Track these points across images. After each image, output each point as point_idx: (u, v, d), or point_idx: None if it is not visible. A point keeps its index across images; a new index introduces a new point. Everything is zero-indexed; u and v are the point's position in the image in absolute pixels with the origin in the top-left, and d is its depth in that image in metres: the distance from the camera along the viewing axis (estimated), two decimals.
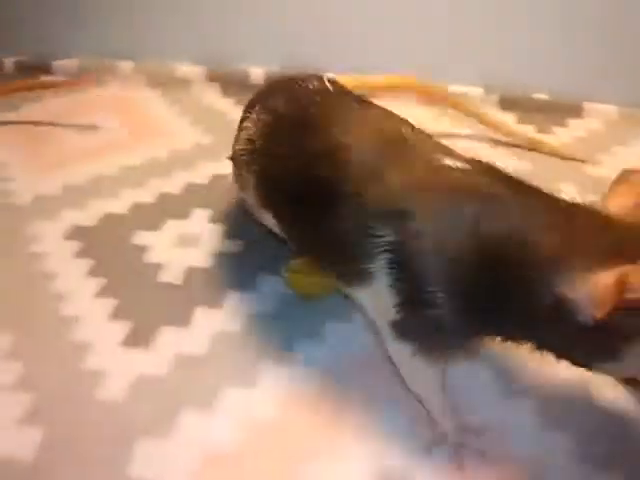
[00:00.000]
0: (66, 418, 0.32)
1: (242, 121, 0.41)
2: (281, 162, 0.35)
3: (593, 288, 0.24)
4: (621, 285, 0.23)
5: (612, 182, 0.30)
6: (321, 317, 0.38)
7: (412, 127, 0.34)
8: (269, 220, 0.38)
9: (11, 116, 0.61)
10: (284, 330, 0.37)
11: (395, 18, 0.63)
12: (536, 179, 0.54)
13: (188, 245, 0.44)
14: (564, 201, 0.28)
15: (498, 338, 0.29)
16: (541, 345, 0.28)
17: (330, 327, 0.37)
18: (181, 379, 0.34)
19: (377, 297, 0.30)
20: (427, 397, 0.31)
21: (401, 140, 0.32)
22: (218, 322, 0.37)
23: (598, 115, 0.64)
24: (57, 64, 0.71)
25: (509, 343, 0.29)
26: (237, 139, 0.41)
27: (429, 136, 0.34)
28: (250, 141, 0.38)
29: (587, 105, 0.64)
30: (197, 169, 0.54)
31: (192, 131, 0.60)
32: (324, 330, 0.37)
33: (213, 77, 0.68)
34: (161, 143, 0.57)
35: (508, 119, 0.63)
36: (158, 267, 0.42)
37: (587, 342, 0.26)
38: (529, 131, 0.59)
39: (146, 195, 0.50)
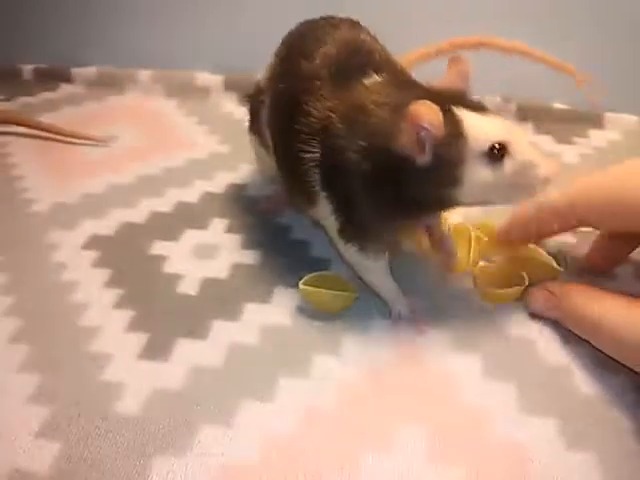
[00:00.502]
0: (83, 431, 0.31)
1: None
2: (277, 86, 0.40)
3: (402, 131, 0.31)
4: (414, 118, 0.30)
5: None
6: (339, 331, 0.38)
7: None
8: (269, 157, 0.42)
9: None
10: (301, 343, 0.37)
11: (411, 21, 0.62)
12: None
13: (206, 255, 0.44)
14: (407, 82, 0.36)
15: (410, 221, 0.38)
16: (425, 204, 0.34)
17: (347, 341, 0.37)
18: (198, 392, 0.33)
19: (321, 212, 0.37)
20: (379, 285, 0.39)
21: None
22: (235, 334, 0.37)
23: (619, 126, 0.63)
24: (76, 72, 0.71)
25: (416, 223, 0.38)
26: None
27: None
28: (269, 69, 0.42)
29: (608, 115, 0.63)
30: (215, 178, 0.54)
31: (210, 140, 0.60)
32: (341, 344, 0.37)
33: (231, 86, 0.68)
34: (179, 152, 0.57)
35: (526, 129, 0.62)
36: (176, 278, 0.42)
37: (439, 180, 0.33)
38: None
39: (164, 204, 0.50)
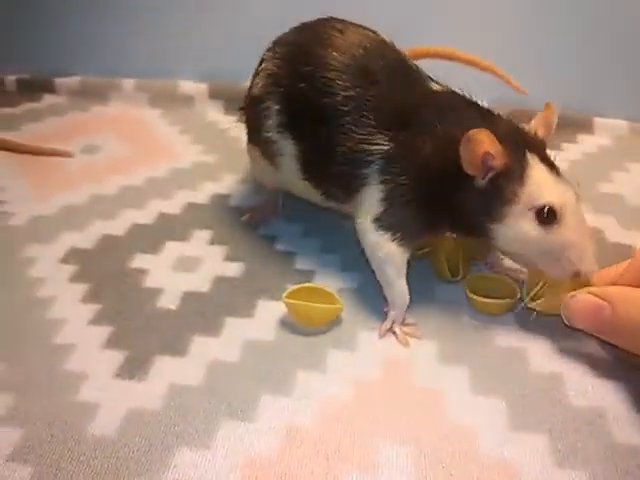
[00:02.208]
0: (56, 454, 0.30)
1: (259, 65, 0.43)
2: (296, 86, 0.39)
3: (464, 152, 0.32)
4: (477, 142, 0.32)
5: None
6: (323, 345, 0.36)
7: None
8: (288, 148, 0.41)
9: (10, 135, 0.60)
10: (284, 359, 0.35)
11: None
12: None
13: (187, 269, 0.43)
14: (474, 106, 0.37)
15: (450, 231, 0.38)
16: (469, 225, 0.35)
17: (332, 356, 0.36)
18: (176, 412, 0.32)
19: (364, 200, 0.38)
20: (392, 282, 0.37)
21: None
22: (216, 350, 0.36)
23: (608, 131, 0.62)
24: (59, 82, 0.70)
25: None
26: (255, 83, 0.43)
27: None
28: (271, 74, 0.41)
29: (597, 121, 0.62)
30: (198, 189, 0.53)
31: (193, 150, 0.59)
32: (326, 359, 0.35)
33: (216, 94, 0.67)
34: (162, 162, 0.56)
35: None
36: (156, 292, 0.40)
37: (485, 208, 0.34)
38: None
39: (146, 216, 0.49)
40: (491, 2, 0.63)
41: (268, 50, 0.43)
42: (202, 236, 0.46)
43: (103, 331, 0.37)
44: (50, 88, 0.70)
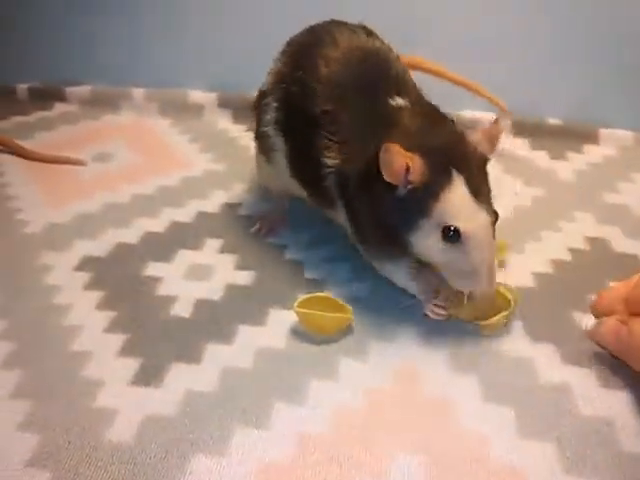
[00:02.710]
0: (74, 459, 0.31)
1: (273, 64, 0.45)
2: (291, 88, 0.41)
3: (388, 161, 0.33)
4: (386, 155, 0.33)
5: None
6: (335, 354, 0.37)
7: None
8: (279, 144, 0.43)
9: (23, 144, 0.61)
10: (297, 367, 0.36)
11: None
12: (551, 206, 0.53)
13: (200, 277, 0.44)
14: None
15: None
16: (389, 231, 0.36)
17: (343, 365, 0.36)
18: (191, 419, 0.33)
19: (340, 216, 0.40)
20: (406, 286, 0.39)
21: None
22: (229, 358, 0.37)
23: (614, 141, 0.63)
24: (70, 91, 0.71)
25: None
26: (266, 80, 0.45)
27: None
28: (276, 72, 0.44)
29: (603, 131, 0.63)
30: (208, 197, 0.53)
31: (203, 158, 0.60)
32: (337, 368, 0.36)
33: (225, 103, 0.68)
34: (173, 171, 0.57)
35: (522, 145, 0.62)
36: (169, 300, 0.41)
37: (404, 218, 0.35)
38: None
39: (158, 224, 0.49)
40: (494, 13, 0.64)
41: (281, 49, 0.45)
42: (213, 245, 0.47)
43: (118, 339, 0.38)
44: (61, 97, 0.71)
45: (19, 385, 0.35)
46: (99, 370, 0.36)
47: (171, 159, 0.60)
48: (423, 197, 0.34)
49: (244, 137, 0.63)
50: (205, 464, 0.30)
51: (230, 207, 0.52)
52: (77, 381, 0.35)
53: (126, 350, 0.37)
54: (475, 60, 0.62)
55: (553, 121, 0.64)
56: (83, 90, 0.71)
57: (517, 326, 0.39)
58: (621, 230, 0.49)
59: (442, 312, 0.38)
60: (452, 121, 0.38)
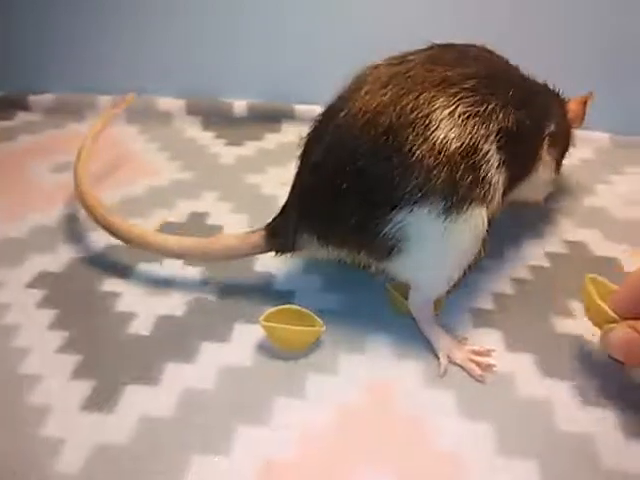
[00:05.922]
0: None
1: None
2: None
3: None
4: None
5: None
6: (303, 370, 0.35)
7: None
8: None
9: None
10: (262, 386, 0.34)
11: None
12: (530, 211, 0.52)
13: (160, 292, 0.41)
14: None
15: None
16: None
17: (312, 381, 0.34)
18: (146, 447, 0.30)
19: None
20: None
21: None
22: (190, 378, 0.34)
23: (590, 143, 0.62)
24: (33, 99, 0.69)
25: None
26: None
27: None
28: None
29: (579, 133, 0.62)
30: (175, 207, 0.51)
31: (171, 167, 0.58)
32: (305, 385, 0.34)
33: (194, 110, 0.66)
34: (139, 180, 0.55)
35: None
36: (127, 317, 0.39)
37: None
38: None
39: None
40: (473, 16, 0.63)
41: None
42: None
43: (71, 360, 0.35)
44: (24, 105, 0.68)
45: None
46: (47, 395, 0.33)
47: (137, 168, 0.57)
48: None
49: (212, 144, 0.61)
50: None
51: (196, 216, 0.50)
52: (23, 407, 0.32)
53: (79, 372, 0.35)
54: None
55: None
56: (46, 98, 0.68)
57: (496, 336, 0.37)
58: (601, 232, 0.48)
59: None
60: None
